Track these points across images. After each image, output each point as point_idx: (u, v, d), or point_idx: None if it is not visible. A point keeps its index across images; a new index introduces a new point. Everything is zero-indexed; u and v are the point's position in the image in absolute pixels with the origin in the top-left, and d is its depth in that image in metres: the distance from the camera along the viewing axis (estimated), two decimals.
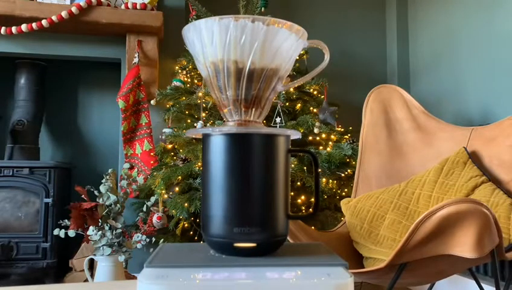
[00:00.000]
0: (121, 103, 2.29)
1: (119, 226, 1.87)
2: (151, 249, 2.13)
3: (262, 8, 2.37)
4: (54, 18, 2.21)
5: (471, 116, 2.33)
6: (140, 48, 2.42)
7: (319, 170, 0.79)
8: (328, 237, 1.60)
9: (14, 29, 2.23)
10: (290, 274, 0.58)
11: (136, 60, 2.38)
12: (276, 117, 2.09)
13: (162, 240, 1.99)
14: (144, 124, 2.39)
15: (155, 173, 2.04)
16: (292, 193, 1.99)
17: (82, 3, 2.25)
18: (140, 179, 2.06)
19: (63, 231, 1.85)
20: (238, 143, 0.65)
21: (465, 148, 1.60)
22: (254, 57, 0.65)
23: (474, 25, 2.33)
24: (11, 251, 2.20)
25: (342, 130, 2.28)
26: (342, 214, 1.78)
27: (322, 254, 0.69)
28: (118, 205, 1.91)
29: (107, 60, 2.57)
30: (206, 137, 0.67)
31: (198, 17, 2.32)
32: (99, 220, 1.86)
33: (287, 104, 2.19)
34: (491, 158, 1.55)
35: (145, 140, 2.36)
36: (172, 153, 2.20)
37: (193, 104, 2.23)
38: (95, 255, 1.88)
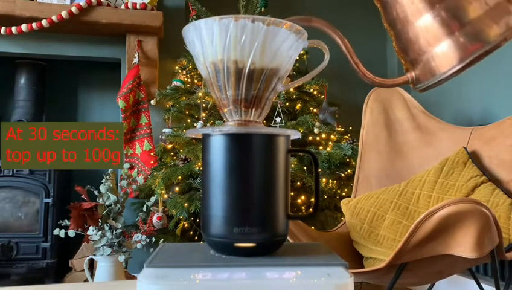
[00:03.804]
0: (121, 103, 2.29)
1: (119, 226, 1.87)
2: (151, 249, 2.13)
3: (262, 8, 2.37)
4: (54, 18, 2.21)
5: (471, 116, 2.33)
6: (140, 48, 2.42)
7: (319, 170, 0.79)
8: (328, 237, 1.60)
9: (14, 29, 2.23)
10: (290, 274, 0.58)
11: (136, 60, 2.38)
12: (276, 117, 2.09)
13: (162, 240, 1.99)
14: (143, 124, 2.39)
15: (155, 173, 2.04)
16: (292, 193, 1.99)
17: (82, 3, 2.25)
18: (140, 179, 2.06)
19: (63, 231, 1.85)
20: (238, 143, 0.65)
21: (465, 148, 1.60)
22: (254, 57, 0.65)
23: None
24: (11, 251, 2.20)
25: (342, 130, 2.28)
26: (342, 214, 1.78)
27: (322, 254, 0.69)
28: (118, 205, 1.91)
29: (107, 60, 2.57)
30: (206, 137, 0.67)
31: (198, 17, 2.32)
32: (99, 220, 1.86)
33: (287, 104, 2.19)
34: (491, 158, 1.55)
35: (145, 140, 2.36)
36: (172, 153, 2.20)
37: (193, 104, 2.23)
38: (95, 255, 1.88)
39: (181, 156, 2.05)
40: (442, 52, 0.57)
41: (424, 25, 0.58)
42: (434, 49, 0.57)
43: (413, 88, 0.64)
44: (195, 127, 2.12)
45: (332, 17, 3.00)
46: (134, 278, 2.09)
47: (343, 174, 2.10)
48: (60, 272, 2.29)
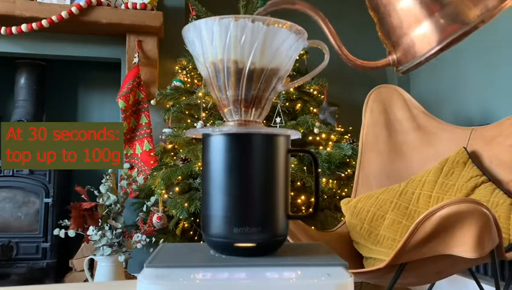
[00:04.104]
0: (121, 103, 2.29)
1: (119, 226, 1.87)
2: (151, 249, 2.13)
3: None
4: (54, 18, 2.21)
5: (471, 116, 2.33)
6: (140, 48, 2.42)
7: (319, 170, 0.79)
8: (328, 237, 1.60)
9: (14, 29, 2.23)
10: (290, 274, 0.58)
11: (136, 60, 2.38)
12: (276, 117, 2.09)
13: (162, 240, 1.99)
14: (143, 124, 2.39)
15: (155, 173, 2.04)
16: (292, 193, 1.99)
17: (82, 3, 2.25)
18: (140, 179, 2.06)
19: (63, 231, 1.85)
20: (238, 143, 0.65)
21: (465, 148, 1.60)
22: (254, 57, 0.65)
23: None
24: (11, 251, 2.20)
25: (342, 130, 2.28)
26: (342, 214, 1.78)
27: (322, 254, 0.69)
28: (118, 205, 1.90)
29: (107, 60, 2.57)
30: (206, 137, 0.67)
31: (198, 17, 2.32)
32: (99, 220, 1.86)
33: (287, 104, 2.19)
34: (491, 158, 1.55)
35: (145, 140, 2.36)
36: (172, 153, 2.20)
37: (193, 104, 2.23)
38: (95, 255, 1.88)
39: (181, 156, 2.05)
40: (421, 33, 0.58)
41: (405, 7, 0.59)
42: (414, 30, 0.58)
43: (395, 71, 0.65)
44: (195, 127, 2.13)
45: (332, 16, 3.00)
46: (134, 278, 2.09)
47: (343, 174, 2.10)
48: (60, 272, 2.29)
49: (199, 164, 1.93)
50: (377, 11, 0.63)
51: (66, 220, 1.87)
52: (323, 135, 2.13)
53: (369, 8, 0.65)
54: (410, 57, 0.59)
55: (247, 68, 0.66)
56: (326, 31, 0.64)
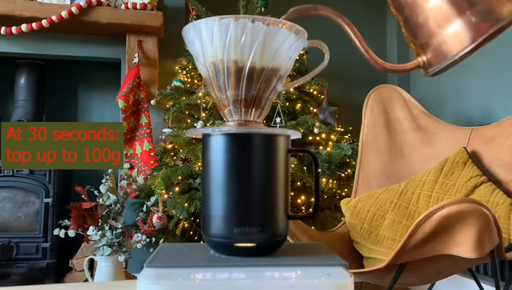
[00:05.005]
0: (120, 103, 2.29)
1: (119, 226, 1.87)
2: (151, 249, 2.13)
3: (262, 8, 2.37)
4: (54, 18, 2.21)
5: (471, 116, 2.33)
6: (140, 48, 2.42)
7: (319, 170, 0.79)
8: (328, 237, 1.60)
9: (14, 29, 2.23)
10: (290, 274, 0.58)
11: (136, 60, 2.37)
12: (276, 117, 2.09)
13: (162, 240, 1.99)
14: (143, 124, 2.39)
15: (155, 173, 2.04)
16: (292, 193, 1.99)
17: (82, 3, 2.25)
18: (140, 179, 2.06)
19: (63, 231, 1.85)
20: (238, 143, 0.65)
21: (465, 148, 1.60)
22: (254, 57, 0.65)
23: None
24: (11, 251, 2.20)
25: (342, 130, 2.28)
26: (342, 214, 1.78)
27: (322, 254, 0.69)
28: (118, 205, 1.91)
29: (107, 60, 2.57)
30: (206, 137, 0.67)
31: (198, 17, 2.32)
32: (99, 220, 1.86)
33: (287, 104, 2.19)
34: (491, 158, 1.55)
35: (145, 140, 2.36)
36: (172, 153, 2.20)
37: (193, 104, 2.23)
38: (95, 255, 1.88)
39: (181, 156, 2.05)
40: (453, 33, 0.56)
41: (433, 6, 0.57)
42: (444, 30, 0.56)
43: (424, 73, 0.63)
44: (195, 127, 2.12)
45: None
46: (134, 278, 2.09)
47: (343, 174, 2.10)
48: (60, 272, 2.29)
49: (199, 164, 1.93)
50: (402, 12, 0.61)
51: (66, 220, 1.87)
52: (323, 135, 2.13)
53: (393, 8, 0.63)
54: (442, 57, 0.58)
55: (247, 68, 0.66)
56: (352, 35, 0.63)
